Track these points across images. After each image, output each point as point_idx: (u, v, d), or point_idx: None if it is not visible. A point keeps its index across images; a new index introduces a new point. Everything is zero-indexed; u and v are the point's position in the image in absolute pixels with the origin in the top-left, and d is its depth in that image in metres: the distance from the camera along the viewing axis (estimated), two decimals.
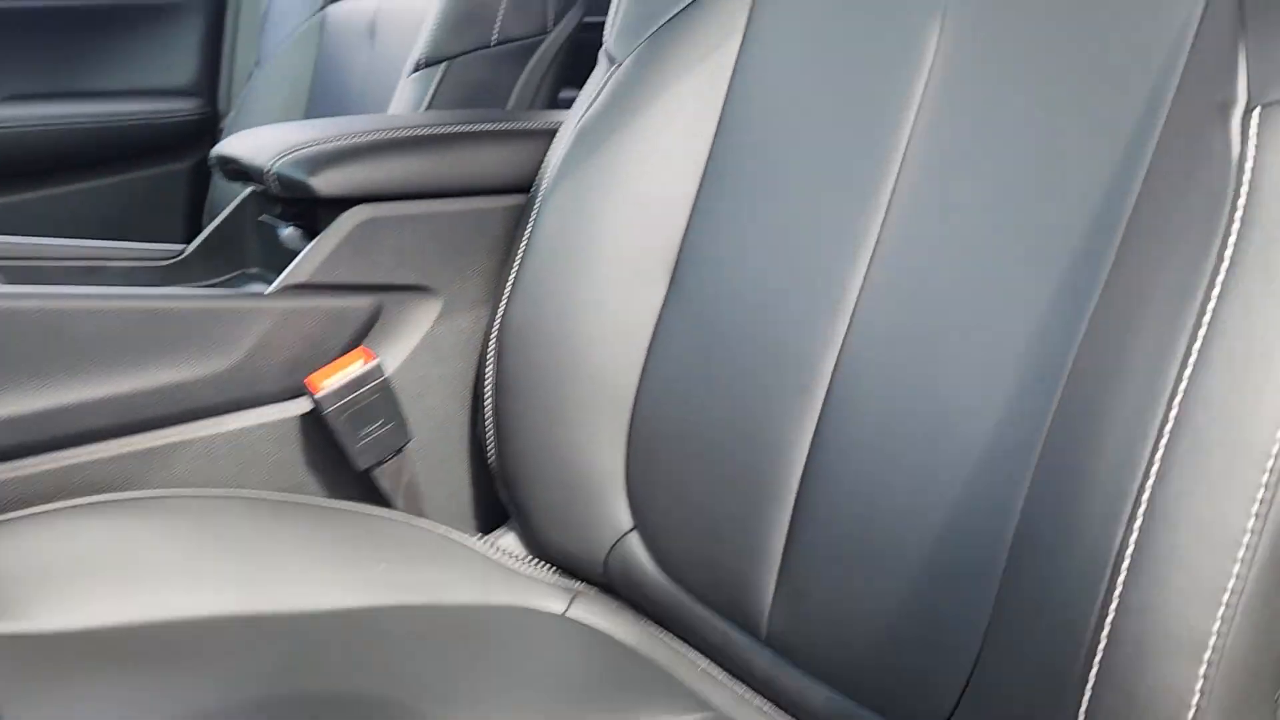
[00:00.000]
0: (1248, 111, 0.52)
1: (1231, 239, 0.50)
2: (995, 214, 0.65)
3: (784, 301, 0.74)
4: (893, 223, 0.70)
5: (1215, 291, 0.50)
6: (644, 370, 0.82)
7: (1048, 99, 0.64)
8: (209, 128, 1.82)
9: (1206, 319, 0.50)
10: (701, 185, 0.81)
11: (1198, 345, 0.50)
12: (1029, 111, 0.64)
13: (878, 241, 0.70)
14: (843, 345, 0.71)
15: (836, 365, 0.71)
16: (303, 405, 0.85)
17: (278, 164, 0.86)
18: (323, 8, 1.60)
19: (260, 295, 0.83)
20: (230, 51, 1.84)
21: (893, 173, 0.71)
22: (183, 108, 1.81)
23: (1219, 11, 0.56)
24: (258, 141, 0.91)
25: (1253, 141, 0.50)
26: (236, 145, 0.93)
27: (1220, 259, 0.50)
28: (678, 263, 0.81)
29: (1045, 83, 0.64)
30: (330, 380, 0.82)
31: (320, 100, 1.55)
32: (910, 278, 0.68)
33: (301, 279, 0.84)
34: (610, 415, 0.83)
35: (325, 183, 0.84)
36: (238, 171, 0.93)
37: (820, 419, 0.71)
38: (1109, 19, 0.62)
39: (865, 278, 0.71)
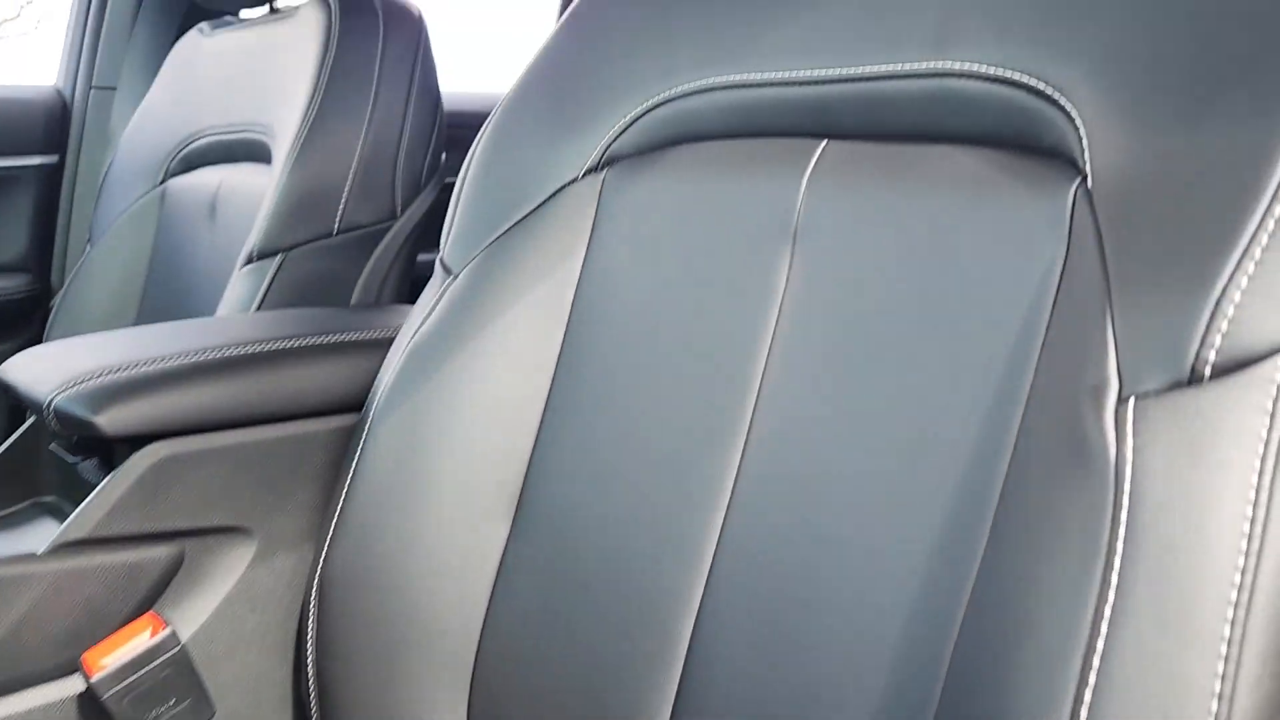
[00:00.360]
0: (1121, 401, 0.45)
1: (1117, 561, 0.43)
2: (855, 467, 0.58)
3: (635, 552, 0.66)
4: (749, 468, 0.63)
5: (1103, 628, 0.42)
6: (485, 624, 0.73)
7: (907, 335, 0.58)
8: (39, 306, 1.69)
9: (1096, 666, 0.42)
10: (545, 414, 0.74)
11: (1088, 699, 0.42)
12: (887, 349, 0.59)
13: (734, 488, 0.64)
14: (701, 606, 0.63)
15: (695, 629, 0.63)
16: (78, 684, 0.72)
17: (58, 398, 0.75)
18: (163, 181, 1.51)
19: (30, 557, 0.71)
20: (65, 224, 1.72)
21: (748, 409, 0.64)
22: (9, 285, 1.68)
23: (1081, 267, 0.50)
24: (40, 366, 0.80)
25: (1129, 441, 0.44)
26: (16, 370, 0.82)
27: (1105, 585, 0.43)
28: (520, 501, 0.73)
29: (903, 317, 0.58)
30: (110, 658, 0.70)
31: (157, 282, 1.44)
32: (769, 533, 0.61)
33: (82, 534, 0.72)
34: (448, 675, 0.73)
35: (112, 421, 0.73)
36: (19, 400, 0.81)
37: (679, 691, 0.63)
38: (971, 250, 0.57)
39: (723, 529, 0.63)
